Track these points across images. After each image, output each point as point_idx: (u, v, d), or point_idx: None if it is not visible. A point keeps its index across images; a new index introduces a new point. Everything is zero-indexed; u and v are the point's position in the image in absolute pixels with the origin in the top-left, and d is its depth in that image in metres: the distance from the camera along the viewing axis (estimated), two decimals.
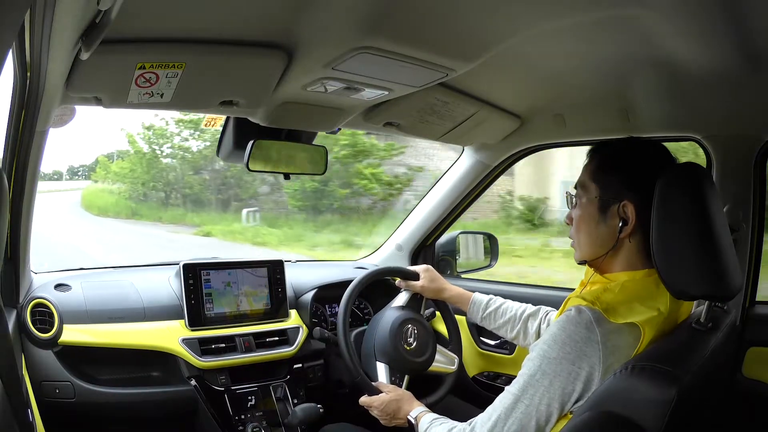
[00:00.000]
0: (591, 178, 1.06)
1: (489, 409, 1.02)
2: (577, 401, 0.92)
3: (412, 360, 1.56)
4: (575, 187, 1.10)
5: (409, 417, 1.36)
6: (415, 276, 1.67)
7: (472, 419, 1.07)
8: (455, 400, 1.75)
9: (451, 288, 1.64)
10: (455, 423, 1.15)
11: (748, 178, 1.43)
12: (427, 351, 1.60)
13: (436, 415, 1.27)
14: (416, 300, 1.68)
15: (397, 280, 1.70)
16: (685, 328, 0.98)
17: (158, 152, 12.19)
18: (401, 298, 1.67)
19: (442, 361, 1.66)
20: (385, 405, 1.43)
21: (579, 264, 1.12)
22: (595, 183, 1.05)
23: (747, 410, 1.39)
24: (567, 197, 1.13)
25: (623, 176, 1.02)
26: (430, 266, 1.69)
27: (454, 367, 1.67)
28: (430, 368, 1.63)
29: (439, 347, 1.66)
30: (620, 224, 1.01)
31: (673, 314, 1.00)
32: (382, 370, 1.55)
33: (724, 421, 1.30)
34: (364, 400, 1.48)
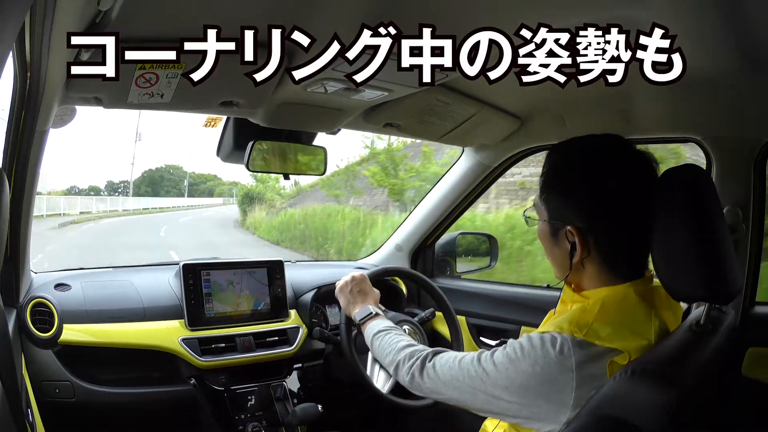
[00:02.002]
0: (540, 199, 1.01)
1: (453, 360, 1.02)
2: (535, 423, 0.89)
3: None
4: (533, 205, 1.06)
5: (370, 306, 1.34)
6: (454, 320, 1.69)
7: (437, 349, 1.08)
8: None
9: None
10: (413, 341, 1.15)
11: (748, 179, 1.43)
12: None
13: (392, 324, 1.26)
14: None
15: None
16: (684, 330, 0.98)
17: None
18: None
19: None
20: (362, 279, 1.44)
21: (544, 288, 1.10)
22: (544, 205, 1.01)
23: (747, 411, 1.39)
24: (525, 219, 1.09)
25: (564, 198, 0.97)
26: None
27: None
28: None
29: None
30: (569, 248, 0.96)
31: (664, 325, 0.96)
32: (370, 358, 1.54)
33: (725, 422, 1.30)
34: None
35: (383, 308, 1.52)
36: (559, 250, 0.99)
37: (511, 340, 0.95)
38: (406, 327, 1.59)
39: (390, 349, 1.15)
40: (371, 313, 1.32)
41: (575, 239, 0.95)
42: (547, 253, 1.03)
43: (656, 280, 0.98)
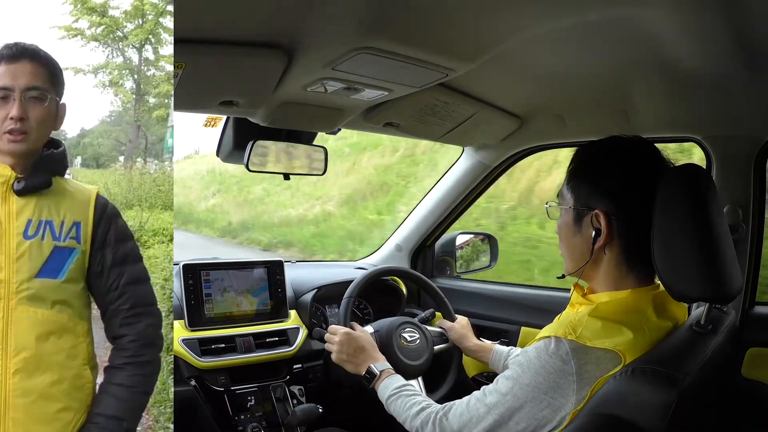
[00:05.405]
0: (567, 187, 1.03)
1: (462, 406, 1.02)
2: (552, 430, 0.90)
3: (402, 359, 1.52)
4: (557, 196, 1.07)
5: (373, 366, 1.33)
6: (453, 318, 1.69)
7: (446, 405, 1.07)
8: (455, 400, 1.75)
9: (475, 339, 1.63)
10: (423, 400, 1.15)
11: (748, 178, 1.43)
12: (420, 357, 1.55)
13: (402, 381, 1.26)
14: (435, 331, 1.67)
15: (438, 320, 1.69)
16: (684, 330, 0.98)
17: None
18: (430, 328, 1.66)
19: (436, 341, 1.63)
20: (349, 339, 1.41)
21: (558, 278, 1.10)
22: (571, 192, 1.02)
23: (747, 411, 1.39)
24: (547, 209, 1.11)
25: (594, 184, 0.99)
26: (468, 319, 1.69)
27: (447, 343, 1.64)
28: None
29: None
30: (593, 234, 0.97)
31: (665, 327, 0.96)
32: None
33: (724, 422, 1.30)
34: (331, 328, 1.48)
35: (374, 322, 1.54)
36: (580, 238, 1.00)
37: (509, 362, 0.96)
38: (412, 328, 1.59)
39: (405, 416, 1.15)
40: (376, 374, 1.32)
41: (601, 224, 0.96)
42: (564, 245, 1.04)
43: (660, 284, 0.98)
